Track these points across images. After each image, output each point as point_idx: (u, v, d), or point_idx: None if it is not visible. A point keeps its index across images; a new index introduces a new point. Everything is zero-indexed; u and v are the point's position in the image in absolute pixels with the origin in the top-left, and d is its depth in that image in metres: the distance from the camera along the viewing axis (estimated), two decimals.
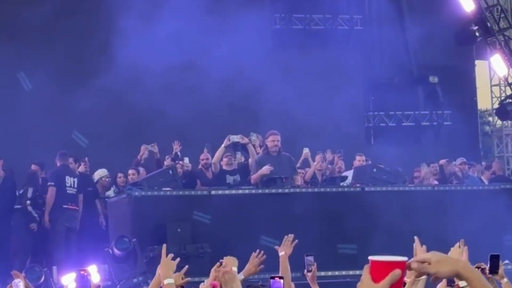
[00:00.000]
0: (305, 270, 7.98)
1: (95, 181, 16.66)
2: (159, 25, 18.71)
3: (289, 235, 7.63)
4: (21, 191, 14.36)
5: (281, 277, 6.63)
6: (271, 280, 6.42)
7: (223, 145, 15.40)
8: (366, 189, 14.60)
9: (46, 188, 15.28)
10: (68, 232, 14.89)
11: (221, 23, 19.25)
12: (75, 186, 15.28)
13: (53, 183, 15.10)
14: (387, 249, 12.64)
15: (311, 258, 8.07)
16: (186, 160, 17.07)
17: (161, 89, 19.30)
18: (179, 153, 17.38)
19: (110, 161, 17.85)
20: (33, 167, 15.89)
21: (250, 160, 15.52)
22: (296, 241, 7.91)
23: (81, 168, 16.58)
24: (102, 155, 17.97)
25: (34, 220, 15.18)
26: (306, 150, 16.56)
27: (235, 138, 15.77)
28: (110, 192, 16.75)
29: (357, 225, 13.70)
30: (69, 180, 15.30)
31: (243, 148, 16.26)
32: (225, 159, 15.32)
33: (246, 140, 15.74)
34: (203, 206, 13.81)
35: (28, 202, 14.10)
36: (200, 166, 16.32)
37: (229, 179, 15.11)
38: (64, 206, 14.97)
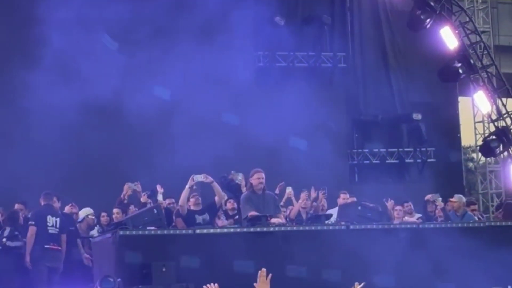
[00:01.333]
0: None
1: (80, 219, 16.39)
2: (135, 57, 18.87)
3: (262, 269, 6.70)
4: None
5: None
6: None
7: (187, 186, 14.96)
8: (351, 227, 14.10)
9: (28, 228, 15.15)
10: (51, 272, 14.62)
11: (205, 61, 19.25)
12: (57, 226, 15.00)
13: (33, 223, 14.87)
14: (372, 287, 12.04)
15: None
16: (160, 197, 17.02)
17: (137, 128, 19.42)
18: (157, 191, 17.15)
19: (85, 200, 17.51)
20: (16, 206, 15.75)
21: (216, 198, 15.32)
22: (271, 275, 7.37)
23: (67, 209, 16.42)
24: (78, 194, 17.80)
25: (16, 249, 14.91)
26: (289, 190, 16.61)
27: (199, 177, 15.26)
28: (94, 232, 16.54)
29: (342, 263, 13.09)
30: (51, 220, 15.04)
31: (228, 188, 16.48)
32: (192, 200, 15.11)
33: (210, 179, 15.26)
34: (188, 245, 13.27)
35: (5, 239, 13.93)
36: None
37: (198, 219, 14.91)
38: (46, 246, 14.60)
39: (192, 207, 15.35)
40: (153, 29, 20.14)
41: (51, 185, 17.71)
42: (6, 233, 14.41)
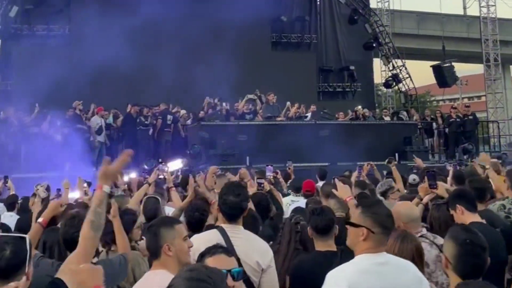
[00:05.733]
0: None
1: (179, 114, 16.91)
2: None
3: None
4: None
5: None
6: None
7: (244, 100, 16.81)
8: (317, 122, 15.94)
9: None
10: (166, 143, 16.07)
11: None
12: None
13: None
14: (333, 156, 13.41)
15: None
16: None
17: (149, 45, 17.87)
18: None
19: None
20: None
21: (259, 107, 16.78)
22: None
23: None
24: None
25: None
26: (288, 103, 17.31)
27: (251, 96, 16.92)
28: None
29: (309, 141, 13.86)
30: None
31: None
32: (245, 106, 16.71)
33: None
34: (241, 129, 14.65)
35: None
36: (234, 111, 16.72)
37: (248, 116, 16.38)
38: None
39: (245, 111, 16.29)
40: None
41: None
42: None
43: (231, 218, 3.83)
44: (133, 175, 9.83)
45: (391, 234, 3.51)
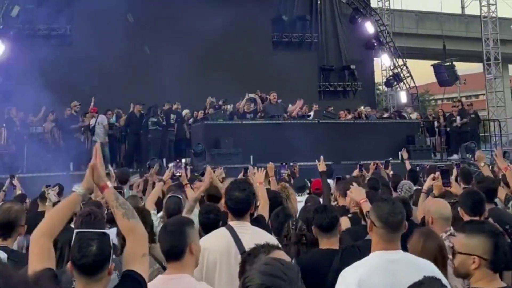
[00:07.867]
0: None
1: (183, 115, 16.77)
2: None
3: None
4: None
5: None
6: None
7: (245, 99, 16.28)
8: (320, 121, 16.20)
9: None
10: (169, 142, 15.77)
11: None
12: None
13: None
14: (336, 155, 13.50)
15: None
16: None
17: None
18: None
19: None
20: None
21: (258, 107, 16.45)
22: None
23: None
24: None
25: None
26: (290, 106, 17.05)
27: (252, 95, 16.53)
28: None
29: (312, 140, 13.60)
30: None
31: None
32: (246, 106, 16.33)
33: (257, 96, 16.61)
34: (238, 129, 14.72)
35: None
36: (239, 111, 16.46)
37: (249, 116, 16.07)
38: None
39: (246, 110, 15.98)
40: None
41: None
42: None
43: (238, 213, 3.85)
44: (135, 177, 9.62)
45: (415, 232, 3.56)
